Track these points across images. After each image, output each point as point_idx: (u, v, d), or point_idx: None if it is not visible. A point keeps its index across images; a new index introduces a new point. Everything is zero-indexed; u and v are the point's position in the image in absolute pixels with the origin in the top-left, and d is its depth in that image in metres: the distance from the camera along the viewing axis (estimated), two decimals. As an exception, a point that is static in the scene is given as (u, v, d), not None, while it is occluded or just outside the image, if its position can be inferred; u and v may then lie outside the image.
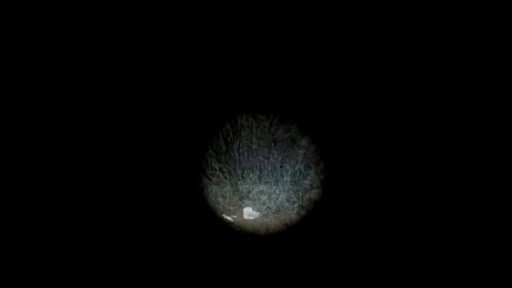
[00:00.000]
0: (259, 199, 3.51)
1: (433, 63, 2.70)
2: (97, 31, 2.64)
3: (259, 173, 3.54)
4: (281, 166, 3.58)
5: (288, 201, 3.43)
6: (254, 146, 3.52)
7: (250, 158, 3.52)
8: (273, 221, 3.29)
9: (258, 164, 3.54)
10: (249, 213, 3.47)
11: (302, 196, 3.37)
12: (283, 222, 3.17)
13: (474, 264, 2.49)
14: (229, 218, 3.44)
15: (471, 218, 2.61)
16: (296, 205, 3.37)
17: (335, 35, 2.74)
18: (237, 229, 3.11)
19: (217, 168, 3.49)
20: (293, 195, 3.45)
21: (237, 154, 3.50)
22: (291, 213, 3.33)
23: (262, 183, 3.56)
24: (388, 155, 2.81)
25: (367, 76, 2.79)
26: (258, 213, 3.45)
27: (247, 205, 3.50)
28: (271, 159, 3.54)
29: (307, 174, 3.45)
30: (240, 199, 3.51)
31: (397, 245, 2.67)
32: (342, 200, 2.87)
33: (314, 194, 3.25)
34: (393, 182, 2.79)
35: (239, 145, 3.51)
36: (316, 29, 2.72)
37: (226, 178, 3.52)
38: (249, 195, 3.52)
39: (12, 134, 2.57)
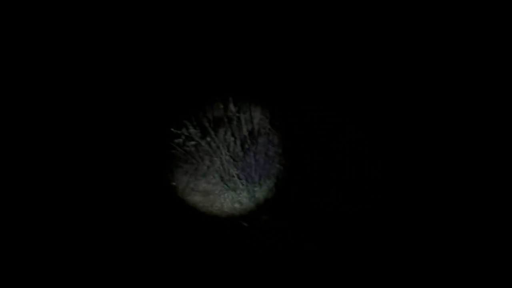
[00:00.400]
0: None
1: (433, 63, 2.67)
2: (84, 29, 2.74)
3: (275, 180, 3.58)
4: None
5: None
6: (271, 153, 3.60)
7: (267, 165, 3.59)
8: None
9: (275, 171, 3.60)
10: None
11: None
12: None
13: (474, 264, 2.46)
14: (245, 224, 3.51)
15: (471, 218, 2.59)
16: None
17: (335, 35, 2.81)
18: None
19: (234, 175, 3.61)
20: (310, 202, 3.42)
21: (254, 161, 3.60)
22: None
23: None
24: (388, 155, 2.75)
25: (367, 76, 2.80)
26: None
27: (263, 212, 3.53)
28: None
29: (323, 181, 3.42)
30: (257, 206, 3.56)
31: (397, 245, 2.65)
32: (342, 200, 2.82)
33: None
34: (393, 182, 2.72)
35: (256, 152, 3.61)
36: (316, 30, 2.82)
37: (243, 184, 3.61)
38: (266, 202, 3.56)
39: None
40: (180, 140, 3.59)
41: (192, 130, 3.57)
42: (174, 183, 3.06)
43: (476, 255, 2.49)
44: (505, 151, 2.59)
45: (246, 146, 3.62)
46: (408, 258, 2.58)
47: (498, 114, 2.62)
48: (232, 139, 3.63)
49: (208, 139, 3.59)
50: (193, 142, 3.61)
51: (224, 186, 3.61)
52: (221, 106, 3.37)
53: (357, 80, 2.84)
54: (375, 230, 2.74)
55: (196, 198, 3.49)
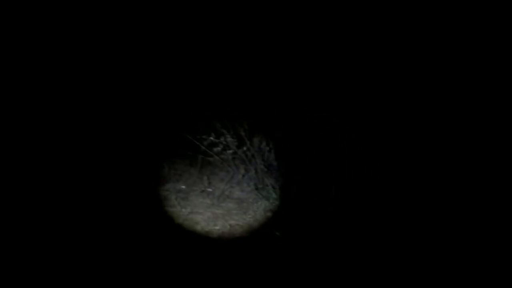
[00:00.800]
0: (308, 217, 3.51)
1: (433, 63, 2.69)
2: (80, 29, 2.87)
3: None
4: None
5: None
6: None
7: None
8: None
9: (308, 181, 3.60)
10: (296, 230, 3.51)
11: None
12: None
13: (474, 264, 2.44)
14: (277, 233, 3.58)
15: (471, 218, 2.58)
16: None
17: (335, 35, 2.88)
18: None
19: (268, 184, 3.73)
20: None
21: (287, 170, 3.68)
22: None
23: (313, 200, 3.56)
24: (388, 155, 2.71)
25: (367, 76, 2.80)
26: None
27: (295, 222, 3.54)
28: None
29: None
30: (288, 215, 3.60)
31: (397, 246, 2.64)
32: (342, 200, 2.78)
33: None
34: (394, 182, 2.69)
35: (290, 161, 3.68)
36: (316, 29, 2.92)
37: (276, 193, 3.70)
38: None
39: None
40: (219, 149, 3.89)
41: (229, 139, 3.85)
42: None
43: (476, 255, 2.45)
44: (505, 151, 2.56)
45: (280, 155, 3.72)
46: (408, 258, 2.55)
47: (499, 114, 2.59)
48: (267, 148, 3.77)
49: (245, 148, 3.80)
50: (230, 151, 3.87)
51: (258, 194, 3.73)
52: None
53: (357, 80, 2.81)
54: (375, 230, 2.72)
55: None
